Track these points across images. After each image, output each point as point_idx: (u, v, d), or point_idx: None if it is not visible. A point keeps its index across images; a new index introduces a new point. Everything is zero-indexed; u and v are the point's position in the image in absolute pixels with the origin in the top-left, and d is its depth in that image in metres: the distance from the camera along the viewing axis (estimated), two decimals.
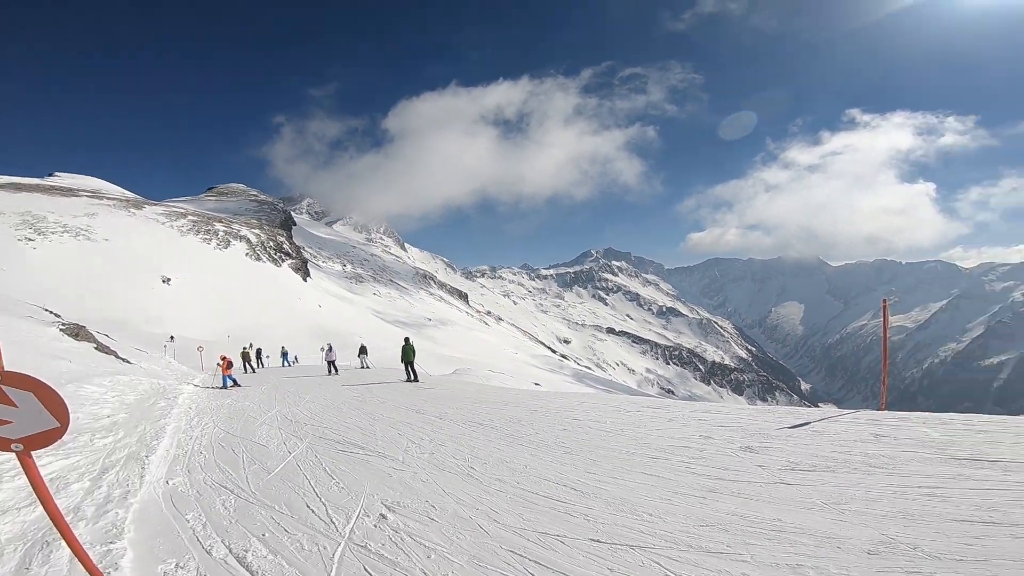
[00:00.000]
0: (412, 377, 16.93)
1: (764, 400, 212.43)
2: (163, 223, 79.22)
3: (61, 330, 19.64)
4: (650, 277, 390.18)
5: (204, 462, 6.51)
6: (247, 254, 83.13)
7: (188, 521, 4.52)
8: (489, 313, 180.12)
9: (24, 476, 2.83)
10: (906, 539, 3.42)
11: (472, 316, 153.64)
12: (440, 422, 8.88)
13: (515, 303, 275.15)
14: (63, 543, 3.34)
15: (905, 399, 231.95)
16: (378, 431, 8.21)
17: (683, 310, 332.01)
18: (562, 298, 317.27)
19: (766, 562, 3.30)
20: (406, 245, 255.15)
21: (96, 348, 19.38)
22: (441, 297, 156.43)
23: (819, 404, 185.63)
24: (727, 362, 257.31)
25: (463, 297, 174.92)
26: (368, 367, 25.50)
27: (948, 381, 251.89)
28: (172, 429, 8.53)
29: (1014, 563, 3.00)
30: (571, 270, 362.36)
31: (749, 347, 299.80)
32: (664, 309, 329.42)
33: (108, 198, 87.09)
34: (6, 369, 2.68)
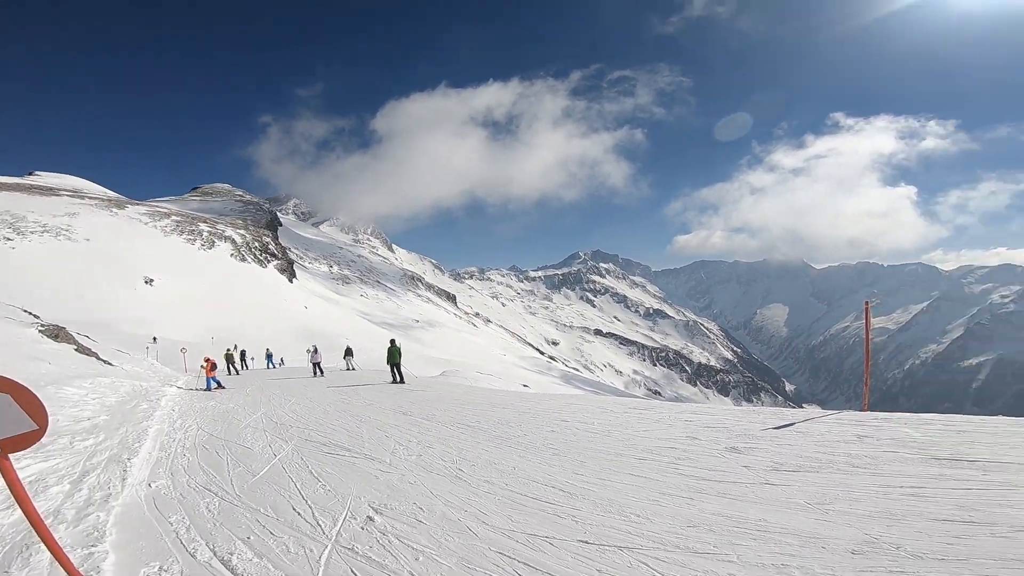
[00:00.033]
0: (398, 379, 16.85)
1: (749, 401, 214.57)
2: (146, 223, 78.12)
3: (40, 331, 19.26)
4: (637, 279, 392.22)
5: (188, 465, 6.42)
6: (232, 255, 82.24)
7: (171, 524, 4.46)
8: (477, 315, 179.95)
9: (1, 479, 2.77)
10: (889, 539, 3.47)
11: (460, 318, 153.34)
12: (428, 424, 8.84)
13: (503, 305, 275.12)
14: (43, 546, 3.27)
15: (887, 400, 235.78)
16: (365, 433, 8.15)
17: (670, 312, 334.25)
18: (550, 300, 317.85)
19: (752, 562, 3.32)
20: (394, 246, 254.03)
21: (76, 350, 19.04)
22: (429, 299, 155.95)
23: (803, 405, 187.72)
24: (713, 363, 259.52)
25: (451, 299, 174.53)
26: (354, 369, 25.34)
27: (929, 382, 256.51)
28: (155, 431, 8.40)
29: (995, 562, 3.05)
30: (559, 272, 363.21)
31: (735, 349, 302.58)
32: (651, 311, 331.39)
33: (90, 197, 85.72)
34: None
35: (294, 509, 4.74)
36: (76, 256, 55.73)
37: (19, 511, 3.60)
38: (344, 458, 6.57)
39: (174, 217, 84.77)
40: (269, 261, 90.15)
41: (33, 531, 2.85)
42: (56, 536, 3.32)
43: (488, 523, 4.25)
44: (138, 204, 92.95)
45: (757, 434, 6.86)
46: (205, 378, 16.28)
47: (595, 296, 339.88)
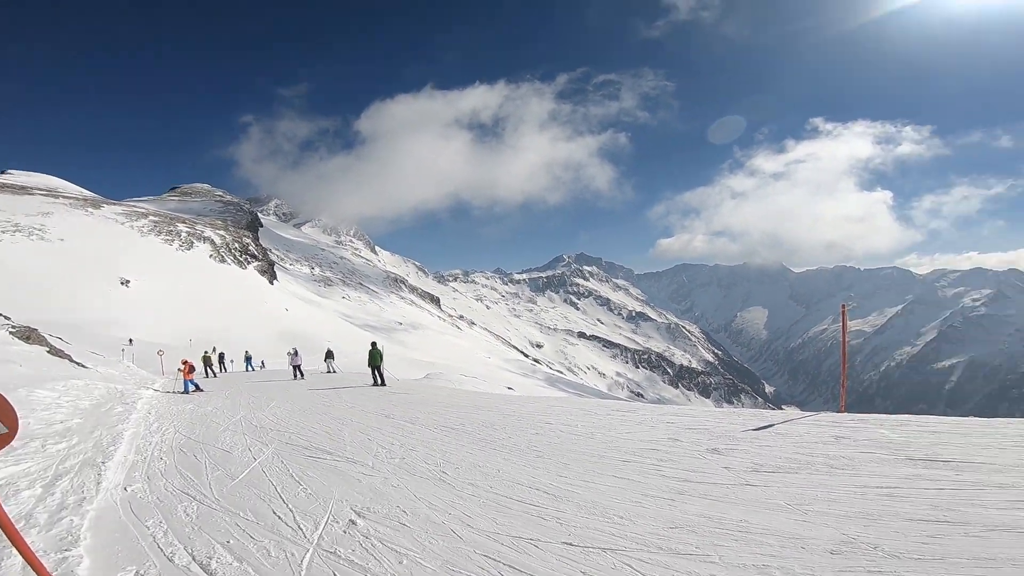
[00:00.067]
0: (379, 381, 16.74)
1: (730, 403, 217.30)
2: (122, 223, 76.54)
3: (11, 333, 18.74)
4: (620, 282, 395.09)
5: (165, 468, 6.31)
6: (211, 256, 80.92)
7: (148, 528, 4.39)
8: (462, 317, 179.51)
9: None
10: (866, 539, 3.54)
11: (444, 320, 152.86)
12: (411, 427, 8.79)
13: (488, 307, 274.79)
14: (14, 551, 3.19)
15: (864, 401, 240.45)
16: (346, 436, 8.08)
17: (652, 315, 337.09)
18: (535, 303, 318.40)
19: (734, 563, 3.36)
20: (377, 248, 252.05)
21: (49, 352, 18.57)
22: (412, 301, 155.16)
23: (783, 406, 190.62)
24: (694, 366, 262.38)
25: (435, 301, 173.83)
26: (335, 371, 25.09)
27: (903, 383, 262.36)
28: (130, 435, 8.24)
29: (969, 561, 3.13)
30: (544, 275, 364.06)
31: (715, 351, 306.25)
32: (634, 314, 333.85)
33: (64, 197, 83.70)
34: None
35: (274, 513, 4.68)
36: (49, 256, 54.34)
37: None
38: (325, 461, 6.51)
39: (152, 217, 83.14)
40: (249, 262, 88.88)
41: (4, 535, 2.77)
42: (28, 540, 3.25)
43: (472, 526, 4.24)
44: (115, 204, 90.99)
45: (737, 435, 6.95)
46: (183, 381, 16.00)
47: (579, 299, 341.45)
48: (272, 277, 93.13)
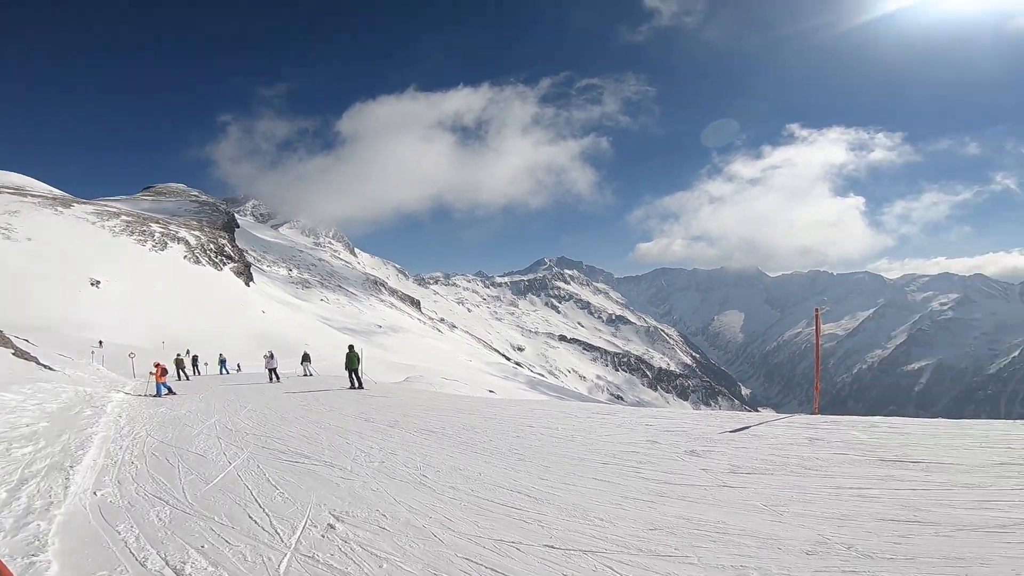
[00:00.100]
0: (357, 384, 16.58)
1: (707, 405, 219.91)
2: (93, 223, 74.54)
3: None
4: (600, 286, 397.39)
5: (136, 472, 6.17)
6: (186, 256, 79.24)
7: (119, 533, 4.28)
8: (442, 320, 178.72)
9: None
10: (840, 539, 3.62)
11: (425, 323, 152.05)
12: (390, 430, 8.72)
13: (469, 310, 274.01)
14: None
15: (837, 403, 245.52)
16: (324, 440, 7.97)
17: (631, 318, 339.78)
18: (516, 306, 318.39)
19: (712, 564, 3.41)
20: (356, 250, 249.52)
21: (14, 354, 17.98)
22: (392, 304, 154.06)
23: (758, 408, 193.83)
24: (673, 368, 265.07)
25: (415, 304, 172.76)
26: (311, 375, 24.78)
27: (875, 386, 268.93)
28: (100, 438, 8.01)
29: (939, 560, 3.22)
30: (525, 278, 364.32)
31: (693, 354, 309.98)
32: (613, 317, 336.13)
33: (32, 195, 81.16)
34: None
35: (251, 517, 4.60)
36: (16, 256, 52.56)
37: None
38: (303, 465, 6.41)
39: (124, 217, 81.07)
40: (225, 263, 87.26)
41: None
42: None
43: (454, 529, 4.22)
44: (85, 203, 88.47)
45: (715, 437, 7.06)
46: (155, 384, 15.62)
47: (560, 302, 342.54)
48: (249, 279, 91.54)
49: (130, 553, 3.91)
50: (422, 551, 3.83)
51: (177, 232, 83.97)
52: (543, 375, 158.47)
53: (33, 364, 17.78)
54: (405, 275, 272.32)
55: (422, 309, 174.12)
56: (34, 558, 3.69)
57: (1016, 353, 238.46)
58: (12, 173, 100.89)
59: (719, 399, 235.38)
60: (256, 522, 4.48)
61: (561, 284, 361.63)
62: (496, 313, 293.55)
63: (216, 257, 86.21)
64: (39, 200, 76.61)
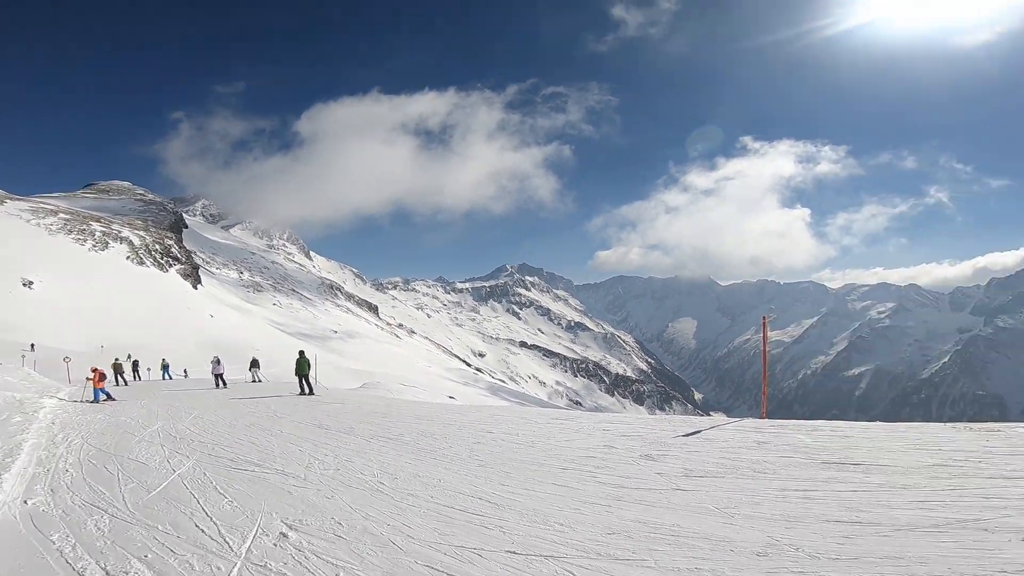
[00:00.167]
0: (307, 390, 16.14)
1: (662, 409, 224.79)
2: (28, 220, 70.18)
3: None
4: (560, 293, 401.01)
5: (71, 481, 5.84)
6: (129, 257, 75.42)
7: (54, 543, 4.06)
8: (401, 326, 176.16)
9: None
10: (789, 540, 3.76)
11: (383, 329, 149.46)
12: (346, 437, 8.52)
13: (429, 316, 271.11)
14: None
15: (783, 407, 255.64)
16: (276, 447, 7.70)
17: (590, 325, 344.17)
18: (478, 312, 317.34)
19: (668, 567, 3.47)
20: (312, 253, 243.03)
21: None
22: (349, 309, 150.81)
23: (710, 412, 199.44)
24: (629, 374, 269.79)
25: (373, 309, 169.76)
26: (260, 381, 23.99)
27: (819, 390, 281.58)
28: (31, 446, 7.52)
29: (881, 560, 3.38)
30: (487, 284, 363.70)
31: (649, 360, 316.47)
32: (573, 324, 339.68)
33: None
34: None
35: (197, 526, 4.41)
36: None
37: None
38: (253, 473, 6.19)
39: (62, 215, 76.51)
40: (171, 265, 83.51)
41: None
42: None
43: (413, 536, 4.16)
44: (20, 200, 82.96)
45: (669, 442, 7.22)
46: (92, 389, 14.73)
47: (521, 309, 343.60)
48: (196, 281, 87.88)
49: (67, 563, 3.72)
50: (381, 559, 3.75)
51: (120, 232, 79.86)
52: (504, 381, 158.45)
53: None
54: (363, 280, 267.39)
55: (380, 314, 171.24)
56: None
57: (946, 359, 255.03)
58: None
59: (673, 404, 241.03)
60: (203, 531, 4.31)
61: (522, 291, 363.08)
62: (457, 319, 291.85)
63: (162, 258, 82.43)
64: None
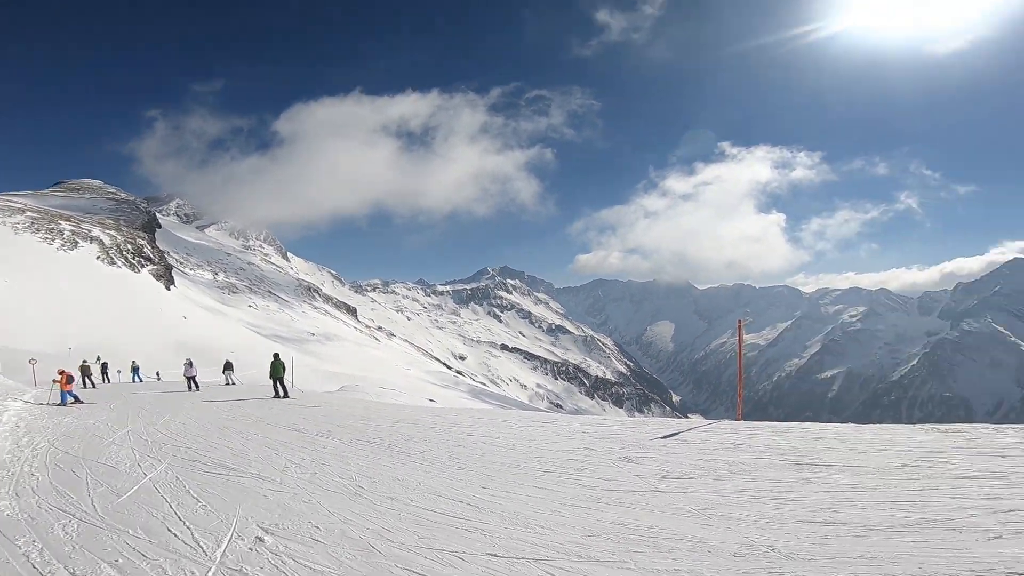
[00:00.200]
0: (282, 393, 15.89)
1: (641, 412, 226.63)
2: None
3: None
4: (541, 296, 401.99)
5: (37, 485, 5.66)
6: (99, 257, 73.36)
7: (20, 547, 3.94)
8: (380, 328, 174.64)
9: None
10: (764, 541, 3.82)
11: (362, 331, 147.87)
12: (324, 441, 8.40)
13: (409, 319, 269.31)
14: None
15: (759, 409, 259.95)
16: (251, 451, 7.56)
17: (570, 328, 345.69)
18: (458, 315, 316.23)
19: (648, 568, 3.50)
20: (289, 255, 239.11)
21: None
22: (327, 311, 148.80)
23: (688, 415, 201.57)
24: (609, 377, 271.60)
25: (352, 312, 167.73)
26: (234, 384, 23.54)
27: (793, 393, 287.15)
28: None
29: (855, 560, 3.45)
30: (468, 287, 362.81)
31: (628, 363, 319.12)
32: (553, 327, 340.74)
33: None
34: None
35: (170, 530, 4.31)
36: None
37: None
38: (227, 477, 6.07)
39: (29, 213, 74.11)
40: (144, 265, 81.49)
41: None
42: None
43: (393, 540, 4.12)
44: None
45: (647, 444, 7.29)
46: (59, 392, 14.27)
47: (502, 312, 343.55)
48: (169, 282, 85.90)
49: (33, 568, 3.62)
50: (359, 563, 3.71)
51: (90, 231, 77.67)
52: (485, 384, 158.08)
53: None
54: (341, 281, 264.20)
55: (359, 317, 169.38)
56: None
57: (915, 362, 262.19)
58: None
59: (652, 406, 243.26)
60: (176, 535, 4.21)
61: (504, 294, 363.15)
62: (437, 322, 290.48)
63: (133, 258, 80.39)
64: None
